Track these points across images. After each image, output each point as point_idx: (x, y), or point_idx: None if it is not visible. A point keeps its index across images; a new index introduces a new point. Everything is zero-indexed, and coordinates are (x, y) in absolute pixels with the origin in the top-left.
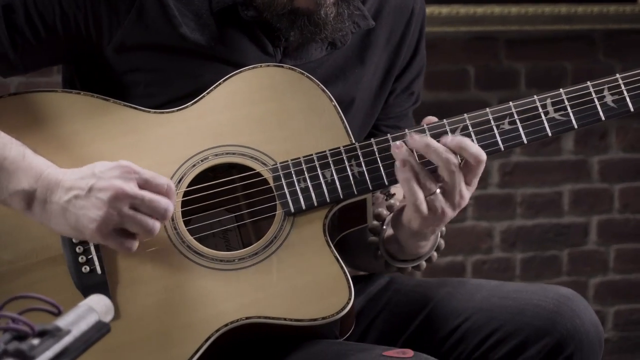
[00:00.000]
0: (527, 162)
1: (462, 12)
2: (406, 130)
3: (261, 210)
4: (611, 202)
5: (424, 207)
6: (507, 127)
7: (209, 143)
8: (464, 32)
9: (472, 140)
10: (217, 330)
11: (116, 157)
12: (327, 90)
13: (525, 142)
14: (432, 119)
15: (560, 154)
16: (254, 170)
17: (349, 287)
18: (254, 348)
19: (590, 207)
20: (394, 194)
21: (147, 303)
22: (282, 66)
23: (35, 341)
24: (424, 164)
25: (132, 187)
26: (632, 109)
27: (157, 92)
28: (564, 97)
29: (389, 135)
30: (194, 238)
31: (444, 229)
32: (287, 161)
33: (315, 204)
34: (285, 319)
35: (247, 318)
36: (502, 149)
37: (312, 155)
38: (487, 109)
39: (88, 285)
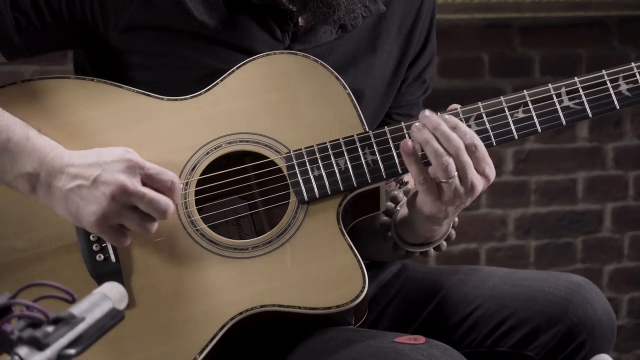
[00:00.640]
0: (542, 149)
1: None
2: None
3: (274, 199)
4: (626, 189)
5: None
6: (521, 115)
7: (222, 131)
8: (478, 19)
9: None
10: (232, 319)
11: (129, 145)
12: (341, 78)
13: (540, 130)
14: (455, 106)
15: (575, 141)
16: (268, 158)
17: (363, 275)
18: (268, 335)
19: (605, 194)
20: (407, 182)
21: (162, 291)
22: (296, 53)
23: (50, 328)
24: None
25: (134, 184)
26: None
27: (164, 78)
28: (579, 85)
29: (402, 124)
30: (208, 226)
31: (456, 219)
32: (301, 149)
33: (329, 192)
34: (299, 308)
35: (261, 306)
36: (516, 137)
37: (325, 143)
38: (502, 98)
39: (102, 273)
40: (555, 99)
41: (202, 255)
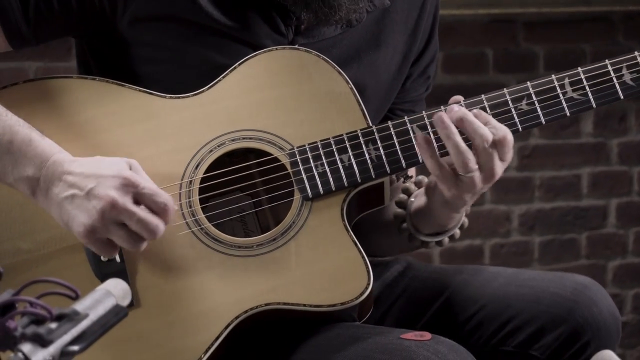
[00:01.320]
0: (546, 144)
1: None
2: (423, 113)
3: (279, 195)
4: (630, 185)
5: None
6: (525, 107)
7: (225, 128)
8: (483, 15)
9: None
10: (236, 317)
11: (132, 145)
12: (343, 73)
13: (544, 122)
14: (459, 98)
15: (579, 136)
16: (271, 155)
17: (368, 271)
18: (273, 333)
19: (610, 189)
20: (411, 176)
21: (166, 291)
22: (299, 48)
23: (53, 325)
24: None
25: (125, 202)
26: None
27: (169, 73)
28: (582, 76)
29: (406, 118)
30: (213, 224)
31: (468, 207)
32: (305, 145)
33: (333, 188)
34: (304, 305)
35: (266, 304)
36: (520, 129)
37: (329, 139)
38: (505, 90)
39: (107, 273)
40: (558, 90)
41: (207, 254)
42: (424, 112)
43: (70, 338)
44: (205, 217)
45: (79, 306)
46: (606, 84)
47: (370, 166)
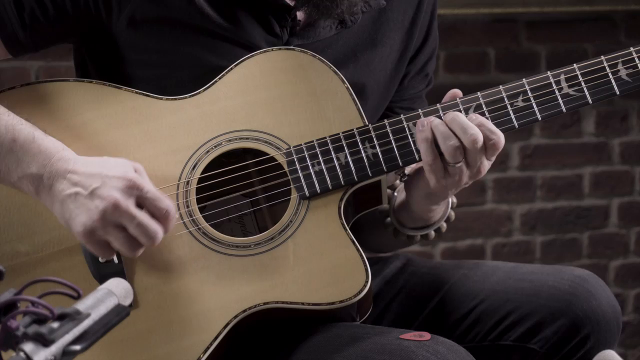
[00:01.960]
0: (548, 144)
1: None
2: (419, 111)
3: (276, 195)
4: (632, 185)
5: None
6: (520, 104)
7: (222, 129)
8: (485, 14)
9: (487, 119)
10: (235, 317)
11: (130, 146)
12: (339, 73)
13: (540, 118)
14: (457, 92)
15: (581, 136)
16: (268, 154)
17: (366, 269)
18: (272, 332)
19: (611, 189)
20: (408, 175)
21: (165, 291)
22: (294, 49)
23: (55, 324)
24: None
25: (127, 205)
26: None
27: (165, 75)
28: (578, 72)
29: (402, 116)
30: (211, 224)
31: (454, 200)
32: (301, 145)
33: (330, 187)
34: (303, 304)
35: (265, 303)
36: (517, 126)
37: (325, 138)
38: (500, 87)
39: (105, 274)
40: (554, 87)
41: (205, 254)
42: (420, 110)
43: (72, 337)
44: (203, 217)
45: (81, 306)
46: (602, 80)
47: (366, 164)
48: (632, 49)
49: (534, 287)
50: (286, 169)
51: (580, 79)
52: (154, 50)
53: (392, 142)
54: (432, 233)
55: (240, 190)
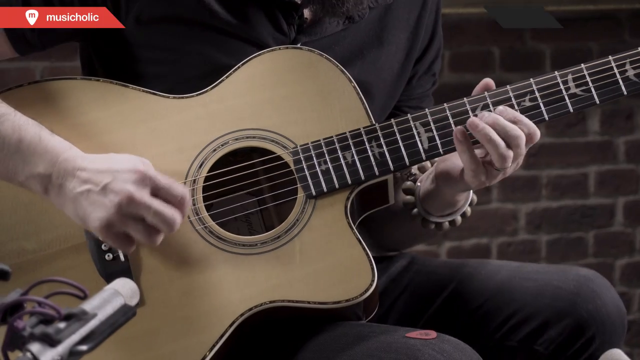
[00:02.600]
0: (553, 143)
1: None
2: (426, 110)
3: (283, 194)
4: (637, 183)
5: (481, 172)
6: (527, 104)
7: (229, 127)
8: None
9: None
10: (241, 315)
11: (137, 145)
12: (346, 71)
13: (547, 118)
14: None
15: (586, 135)
16: (275, 153)
17: (372, 268)
18: (278, 331)
19: (616, 188)
20: (415, 174)
21: (171, 289)
22: (301, 48)
23: (62, 325)
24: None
25: (142, 195)
26: None
27: (172, 74)
28: (585, 72)
29: (409, 115)
30: (217, 223)
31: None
32: (308, 144)
33: (337, 185)
34: (309, 302)
35: (270, 302)
36: None
37: (332, 137)
38: (508, 87)
39: (111, 272)
40: (562, 86)
41: (211, 252)
42: (427, 109)
43: (79, 338)
44: (210, 216)
45: (88, 306)
46: (609, 80)
47: (373, 164)
48: None
49: (539, 286)
50: (293, 167)
51: (588, 79)
52: (162, 48)
53: (399, 141)
54: (459, 218)
55: (247, 189)
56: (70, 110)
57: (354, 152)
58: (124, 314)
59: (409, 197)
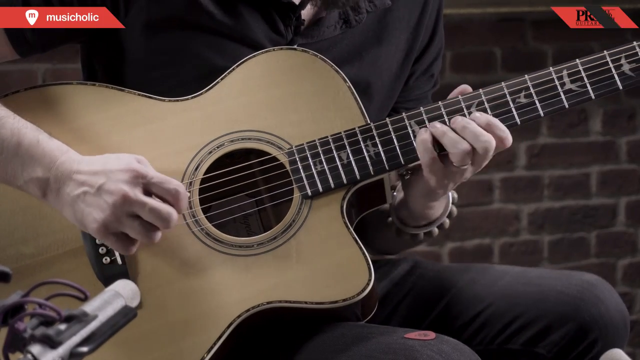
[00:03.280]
0: (555, 143)
1: None
2: (421, 108)
3: (279, 194)
4: None
5: (439, 169)
6: (523, 100)
7: (224, 129)
8: (491, 14)
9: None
10: (238, 316)
11: (133, 148)
12: (340, 71)
13: (542, 114)
14: (466, 87)
15: (588, 135)
16: (270, 154)
17: (369, 268)
18: (276, 332)
19: (619, 188)
20: (411, 173)
21: (168, 292)
22: (296, 48)
23: (62, 326)
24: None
25: (136, 194)
26: None
27: (169, 76)
28: (580, 67)
29: (404, 114)
30: (215, 224)
31: (455, 195)
32: (303, 144)
33: (332, 185)
34: (306, 303)
35: (268, 303)
36: (519, 123)
37: (327, 137)
38: (503, 83)
39: (109, 275)
40: (557, 82)
41: (208, 254)
42: (421, 107)
43: (80, 339)
44: (208, 218)
45: (88, 307)
46: (605, 75)
47: (368, 163)
48: (635, 43)
49: (542, 291)
50: (288, 168)
51: (583, 74)
52: (160, 51)
53: (394, 140)
54: (435, 230)
55: (244, 191)
56: (67, 114)
57: (349, 151)
58: (125, 316)
59: (385, 205)
